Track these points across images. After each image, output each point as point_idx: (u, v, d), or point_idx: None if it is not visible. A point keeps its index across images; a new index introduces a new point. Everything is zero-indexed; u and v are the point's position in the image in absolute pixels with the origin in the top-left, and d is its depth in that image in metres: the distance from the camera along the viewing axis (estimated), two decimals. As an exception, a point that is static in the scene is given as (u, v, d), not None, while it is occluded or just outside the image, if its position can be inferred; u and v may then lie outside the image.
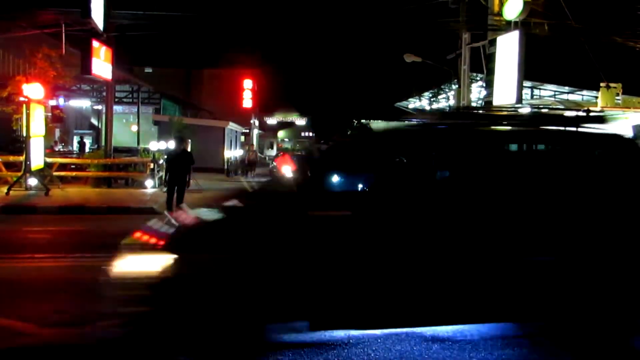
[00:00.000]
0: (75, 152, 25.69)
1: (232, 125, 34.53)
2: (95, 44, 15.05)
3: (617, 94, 20.73)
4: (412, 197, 4.49)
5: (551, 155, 5.12)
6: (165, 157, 13.27)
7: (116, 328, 4.74)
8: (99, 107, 30.03)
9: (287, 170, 25.18)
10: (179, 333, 3.98)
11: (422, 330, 4.94)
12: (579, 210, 4.54)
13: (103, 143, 19.66)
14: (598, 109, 20.88)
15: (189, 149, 13.27)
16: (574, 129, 4.77)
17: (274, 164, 29.31)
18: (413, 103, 37.82)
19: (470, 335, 4.84)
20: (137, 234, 4.44)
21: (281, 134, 67.96)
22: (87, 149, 27.52)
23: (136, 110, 28.30)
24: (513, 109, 7.94)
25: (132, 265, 4.11)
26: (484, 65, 16.86)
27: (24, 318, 5.09)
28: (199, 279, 4.02)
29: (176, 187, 11.49)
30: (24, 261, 7.59)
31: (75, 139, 31.07)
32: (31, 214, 12.28)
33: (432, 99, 33.59)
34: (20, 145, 16.31)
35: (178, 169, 11.50)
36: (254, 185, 22.36)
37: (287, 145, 61.64)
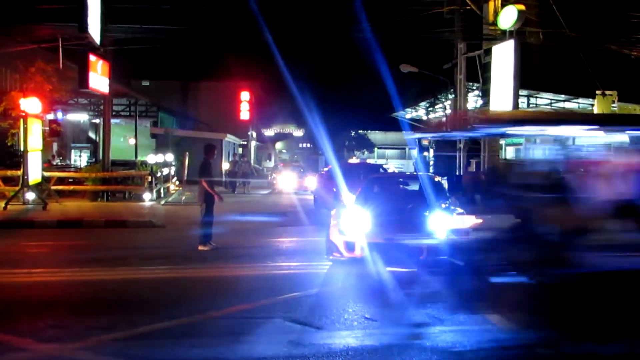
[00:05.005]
0: (73, 166, 25.66)
1: (229, 137, 34.57)
2: (92, 58, 15.06)
3: (613, 102, 20.80)
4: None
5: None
6: (201, 167, 10.05)
7: (112, 343, 4.72)
8: (97, 120, 30.08)
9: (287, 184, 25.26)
10: None
11: (420, 342, 4.92)
12: None
13: (101, 156, 19.64)
14: (594, 116, 20.95)
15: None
16: None
17: (274, 175, 29.26)
18: (410, 113, 37.94)
19: (469, 346, 4.82)
20: None
21: (279, 145, 68.03)
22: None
23: (134, 123, 28.35)
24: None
25: None
26: (480, 74, 16.93)
27: (20, 333, 5.05)
28: None
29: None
30: (21, 276, 7.55)
31: (74, 153, 31.10)
32: (29, 228, 12.24)
33: (428, 109, 33.72)
34: (17, 159, 16.28)
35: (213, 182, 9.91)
36: (257, 198, 22.38)
37: (285, 157, 61.64)
